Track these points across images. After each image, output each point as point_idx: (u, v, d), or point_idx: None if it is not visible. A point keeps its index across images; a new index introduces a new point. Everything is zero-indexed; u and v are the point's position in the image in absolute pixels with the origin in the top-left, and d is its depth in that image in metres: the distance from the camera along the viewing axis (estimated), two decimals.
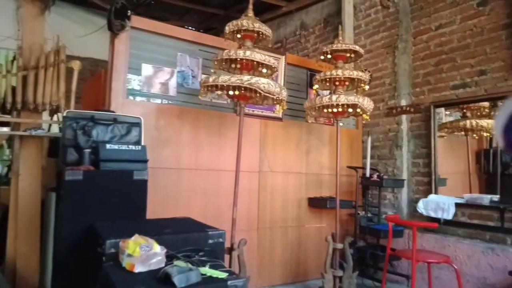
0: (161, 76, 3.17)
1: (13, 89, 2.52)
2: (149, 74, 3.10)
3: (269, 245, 3.54)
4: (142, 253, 1.57)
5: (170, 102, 3.21)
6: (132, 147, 2.51)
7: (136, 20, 2.96)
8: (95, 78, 4.50)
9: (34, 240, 2.62)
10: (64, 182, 2.14)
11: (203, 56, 3.36)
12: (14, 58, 2.63)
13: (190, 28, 6.46)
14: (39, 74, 2.53)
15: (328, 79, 3.16)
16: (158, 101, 3.16)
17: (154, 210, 2.59)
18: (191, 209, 3.09)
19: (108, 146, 2.41)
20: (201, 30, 6.69)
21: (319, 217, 3.88)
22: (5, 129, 2.61)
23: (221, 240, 1.97)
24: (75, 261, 2.15)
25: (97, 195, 2.24)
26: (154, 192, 2.72)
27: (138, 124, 2.69)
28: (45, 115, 2.90)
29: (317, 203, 3.75)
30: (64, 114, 2.46)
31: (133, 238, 1.64)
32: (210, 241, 1.92)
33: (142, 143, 2.69)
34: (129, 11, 2.79)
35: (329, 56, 3.22)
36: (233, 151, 3.32)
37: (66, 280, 2.22)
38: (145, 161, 2.52)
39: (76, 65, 2.68)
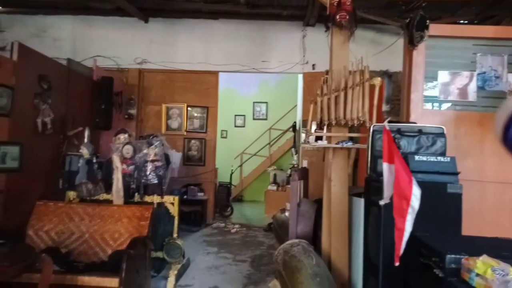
0: (458, 82, 2.98)
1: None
2: (445, 81, 2.98)
3: None
4: (496, 277, 1.49)
5: (467, 108, 2.96)
6: (440, 158, 2.47)
7: (431, 28, 2.90)
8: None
9: (343, 238, 3.01)
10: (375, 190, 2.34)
11: (509, 52, 2.93)
12: (325, 81, 3.12)
13: (463, 22, 5.83)
14: (347, 93, 2.90)
15: None
16: (455, 108, 2.99)
17: None
18: (499, 227, 2.74)
19: (416, 157, 2.47)
20: (476, 22, 5.91)
21: None
22: (321, 142, 3.14)
23: None
24: (392, 264, 2.30)
25: None
26: None
27: (442, 135, 2.62)
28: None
29: None
30: (372, 128, 2.71)
31: (481, 258, 1.58)
32: None
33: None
34: (427, 21, 2.77)
35: None
36: None
37: (386, 281, 2.41)
38: (456, 174, 2.42)
39: (377, 81, 2.89)
